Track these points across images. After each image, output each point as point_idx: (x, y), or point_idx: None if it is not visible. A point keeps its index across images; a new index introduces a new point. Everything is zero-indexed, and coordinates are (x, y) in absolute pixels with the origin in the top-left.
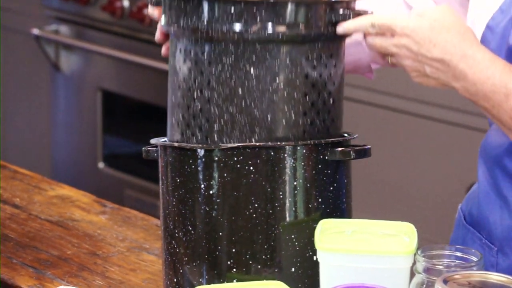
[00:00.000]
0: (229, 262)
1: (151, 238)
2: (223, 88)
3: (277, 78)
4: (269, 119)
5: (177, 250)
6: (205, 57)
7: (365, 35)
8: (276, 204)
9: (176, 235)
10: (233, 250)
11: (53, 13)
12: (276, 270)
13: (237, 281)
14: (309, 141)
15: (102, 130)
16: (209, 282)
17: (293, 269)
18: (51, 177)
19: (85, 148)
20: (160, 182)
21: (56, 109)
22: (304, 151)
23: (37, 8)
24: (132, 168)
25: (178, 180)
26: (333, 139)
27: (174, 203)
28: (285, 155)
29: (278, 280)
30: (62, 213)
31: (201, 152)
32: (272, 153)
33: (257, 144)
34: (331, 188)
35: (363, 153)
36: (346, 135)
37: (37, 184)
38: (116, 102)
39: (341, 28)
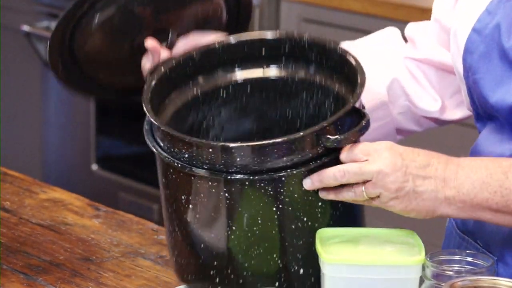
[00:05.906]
0: (211, 273)
1: (146, 242)
2: None
3: None
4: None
5: (169, 249)
6: None
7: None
8: (255, 228)
9: (168, 234)
10: (214, 263)
11: (44, 9)
12: None
13: None
14: (287, 171)
15: (95, 131)
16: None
17: None
18: (42, 179)
19: (78, 150)
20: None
21: (47, 109)
22: (283, 179)
23: (28, 4)
24: (126, 170)
25: (165, 183)
26: (315, 164)
27: (164, 205)
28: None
29: None
30: (54, 217)
31: (178, 166)
32: (247, 183)
33: (229, 177)
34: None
35: None
36: None
37: (28, 187)
38: (109, 102)
39: (307, 184)
